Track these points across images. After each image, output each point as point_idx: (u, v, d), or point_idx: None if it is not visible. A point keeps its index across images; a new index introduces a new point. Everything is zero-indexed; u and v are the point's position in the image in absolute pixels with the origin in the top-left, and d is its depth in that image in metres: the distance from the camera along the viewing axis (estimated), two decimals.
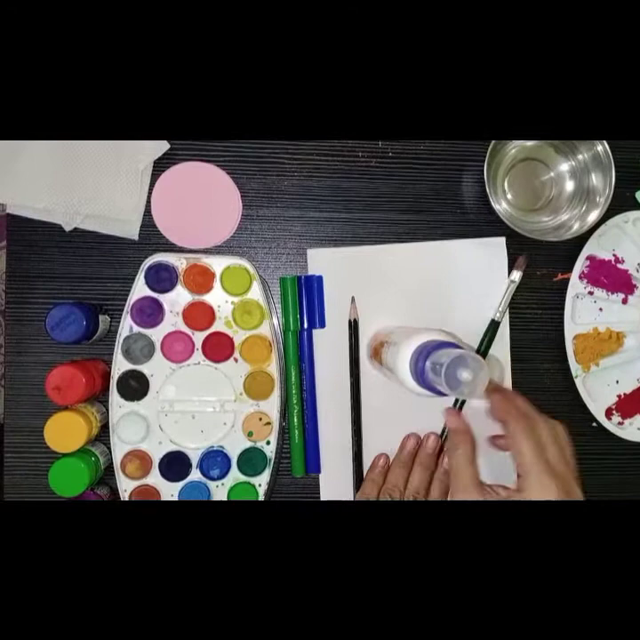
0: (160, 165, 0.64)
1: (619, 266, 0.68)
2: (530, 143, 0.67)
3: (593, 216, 0.64)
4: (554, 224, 0.67)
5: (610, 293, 0.68)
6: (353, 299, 0.65)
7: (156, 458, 0.62)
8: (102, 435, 0.63)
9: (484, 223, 0.67)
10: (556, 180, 0.68)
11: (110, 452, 0.62)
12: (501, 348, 0.67)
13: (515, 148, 0.67)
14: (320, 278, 0.65)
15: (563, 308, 0.67)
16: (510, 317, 0.67)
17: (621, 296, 0.68)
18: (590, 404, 0.67)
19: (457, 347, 0.47)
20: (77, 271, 0.64)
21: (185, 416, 0.62)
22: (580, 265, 0.67)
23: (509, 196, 0.67)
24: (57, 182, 0.62)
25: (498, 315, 0.66)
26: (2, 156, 0.61)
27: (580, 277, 0.67)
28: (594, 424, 0.68)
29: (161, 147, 0.63)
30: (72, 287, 0.64)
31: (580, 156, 0.67)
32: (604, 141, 0.63)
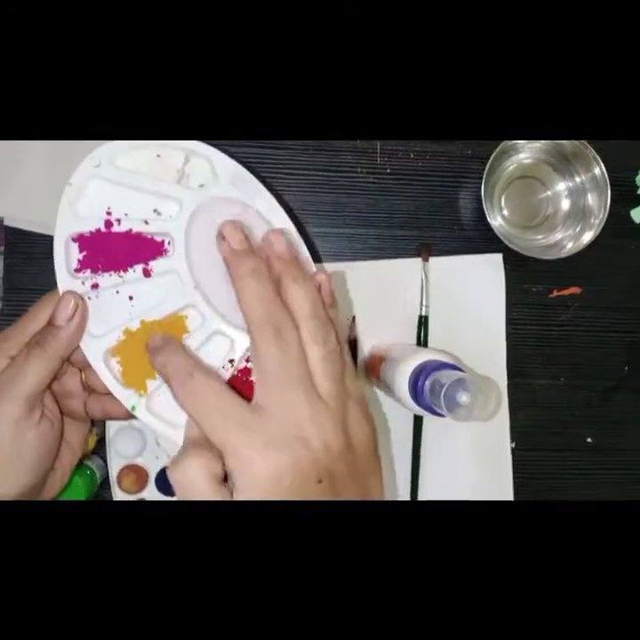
0: None
1: (114, 229, 0.41)
2: (527, 161, 0.68)
3: (587, 237, 0.65)
4: (547, 242, 0.68)
5: (123, 273, 0.41)
6: (353, 318, 0.65)
7: (153, 472, 0.62)
8: (98, 448, 0.62)
9: (481, 240, 0.67)
10: (553, 198, 0.69)
11: (106, 465, 0.62)
12: (497, 363, 0.67)
13: (512, 165, 0.68)
14: None
15: (560, 325, 0.68)
16: (507, 333, 0.67)
17: (139, 267, 0.41)
18: None
19: (457, 368, 0.48)
20: None
21: None
22: (63, 259, 0.41)
23: (506, 213, 0.68)
24: (55, 195, 0.61)
25: (424, 310, 0.65)
26: (0, 168, 0.61)
27: (75, 272, 0.41)
28: (588, 440, 0.68)
29: None
30: None
31: (577, 177, 0.67)
32: (601, 163, 0.64)
